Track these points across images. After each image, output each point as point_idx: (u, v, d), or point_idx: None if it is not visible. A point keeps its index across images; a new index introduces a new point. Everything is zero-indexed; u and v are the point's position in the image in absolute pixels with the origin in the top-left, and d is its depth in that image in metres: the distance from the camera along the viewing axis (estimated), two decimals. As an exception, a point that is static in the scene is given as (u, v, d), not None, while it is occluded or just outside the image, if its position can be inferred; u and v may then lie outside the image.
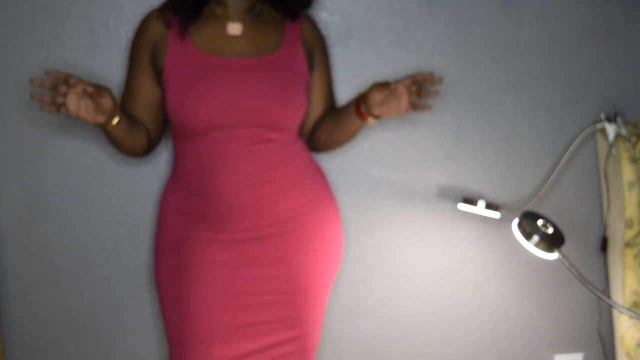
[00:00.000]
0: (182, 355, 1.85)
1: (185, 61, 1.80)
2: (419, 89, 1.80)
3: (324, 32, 2.24)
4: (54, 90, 1.60)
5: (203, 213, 1.82)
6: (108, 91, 1.67)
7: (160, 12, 1.86)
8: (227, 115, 1.76)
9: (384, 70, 2.28)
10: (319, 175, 1.97)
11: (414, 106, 1.81)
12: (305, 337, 1.91)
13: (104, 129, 1.73)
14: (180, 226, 1.86)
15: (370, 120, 1.85)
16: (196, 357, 1.83)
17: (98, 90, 1.64)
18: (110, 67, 2.15)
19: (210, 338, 1.82)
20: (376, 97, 1.79)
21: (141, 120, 1.87)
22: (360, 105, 1.83)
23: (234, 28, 1.85)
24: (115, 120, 1.72)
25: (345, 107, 1.92)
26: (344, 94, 2.25)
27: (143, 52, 1.85)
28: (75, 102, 1.61)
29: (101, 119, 1.67)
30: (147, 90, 1.85)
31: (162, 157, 2.21)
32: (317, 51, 1.96)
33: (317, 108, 1.97)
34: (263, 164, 1.81)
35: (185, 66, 1.79)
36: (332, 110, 2.01)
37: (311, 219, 1.90)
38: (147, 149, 1.91)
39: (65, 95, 1.60)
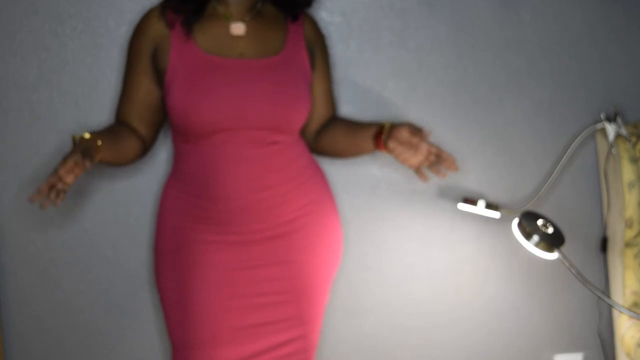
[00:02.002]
0: (186, 357, 1.84)
1: (188, 62, 1.79)
2: (437, 162, 1.78)
3: (324, 31, 2.24)
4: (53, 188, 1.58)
5: (206, 215, 1.82)
6: (84, 149, 1.62)
7: (161, 12, 1.84)
8: (232, 118, 1.75)
9: (384, 70, 2.29)
10: (320, 175, 1.97)
11: (428, 164, 1.79)
12: (307, 336, 1.91)
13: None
14: (182, 227, 1.85)
15: (383, 150, 1.83)
16: (201, 359, 1.82)
17: (82, 156, 1.59)
18: (110, 67, 2.15)
19: (214, 340, 1.82)
20: (404, 135, 1.76)
21: (137, 120, 1.86)
22: (383, 133, 1.81)
23: (237, 28, 1.84)
24: (99, 156, 1.67)
25: (364, 126, 1.89)
26: (344, 94, 2.25)
27: (143, 52, 1.83)
28: (72, 178, 1.58)
29: (91, 162, 1.62)
30: (146, 91, 1.84)
31: (162, 157, 2.21)
32: (318, 51, 1.96)
33: (320, 108, 1.96)
34: (268, 166, 1.81)
35: (189, 67, 1.78)
36: (344, 122, 2.00)
37: (313, 219, 1.90)
38: (142, 154, 1.90)
39: (61, 181, 1.57)
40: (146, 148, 1.90)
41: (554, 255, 2.19)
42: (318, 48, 1.96)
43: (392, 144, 1.77)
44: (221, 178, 1.78)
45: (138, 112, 1.84)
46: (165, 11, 1.83)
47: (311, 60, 1.92)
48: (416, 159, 1.77)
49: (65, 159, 1.58)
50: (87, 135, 1.67)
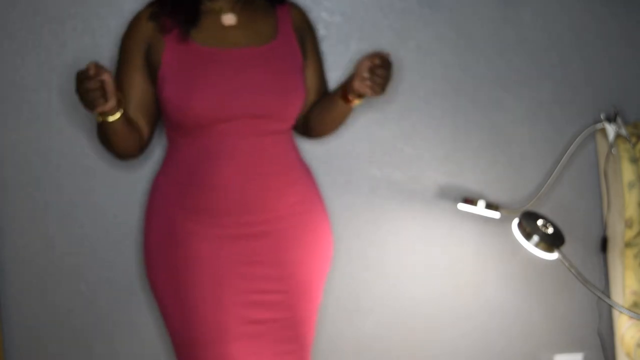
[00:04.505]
0: (192, 355, 1.84)
1: (184, 55, 1.80)
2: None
3: (324, 32, 2.24)
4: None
5: (202, 206, 1.81)
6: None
7: (151, 16, 1.84)
8: (230, 106, 1.76)
9: (384, 70, 2.29)
10: (310, 175, 1.99)
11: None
12: (301, 336, 1.91)
13: (105, 122, 1.72)
14: (175, 221, 1.84)
15: (355, 102, 1.83)
16: (207, 357, 1.82)
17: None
18: (110, 67, 2.14)
19: (221, 336, 1.81)
20: (362, 69, 1.75)
21: (134, 119, 1.86)
22: (347, 88, 1.82)
23: (229, 18, 1.86)
24: (119, 114, 1.72)
25: (334, 91, 1.92)
26: (344, 94, 2.25)
27: (135, 52, 1.84)
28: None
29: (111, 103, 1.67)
30: (141, 90, 1.84)
31: (161, 159, 2.21)
32: (308, 39, 1.97)
33: (311, 96, 1.98)
34: (267, 155, 1.82)
35: (184, 60, 1.79)
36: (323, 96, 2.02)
37: (306, 218, 1.91)
38: (139, 151, 1.90)
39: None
40: (143, 145, 1.90)
41: (554, 255, 2.19)
42: (308, 36, 1.98)
43: (355, 84, 1.76)
44: (219, 168, 1.79)
45: (133, 110, 1.84)
46: (157, 16, 1.83)
47: (302, 49, 1.93)
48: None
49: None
50: (119, 114, 1.73)
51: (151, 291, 1.91)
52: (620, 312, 2.26)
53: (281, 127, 1.85)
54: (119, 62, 1.87)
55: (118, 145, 1.81)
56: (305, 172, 1.95)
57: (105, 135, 1.79)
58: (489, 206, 2.30)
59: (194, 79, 1.76)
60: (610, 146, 2.30)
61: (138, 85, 1.84)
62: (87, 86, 1.62)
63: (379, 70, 1.73)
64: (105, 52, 2.15)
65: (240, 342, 1.83)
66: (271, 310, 1.86)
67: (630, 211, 2.29)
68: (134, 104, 1.84)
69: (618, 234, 2.33)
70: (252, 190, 1.81)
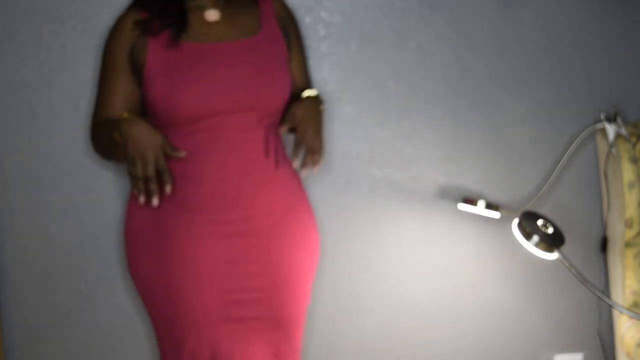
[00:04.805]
0: (179, 352, 1.83)
1: (170, 53, 1.80)
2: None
3: (324, 32, 2.25)
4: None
5: (198, 202, 1.81)
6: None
7: (136, 23, 1.83)
8: (220, 101, 1.77)
9: (384, 70, 2.29)
10: (298, 177, 1.98)
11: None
12: (292, 337, 1.91)
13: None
14: (165, 216, 1.82)
15: None
16: (194, 354, 1.82)
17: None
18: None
19: (208, 334, 1.81)
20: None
21: None
22: None
23: (211, 14, 1.87)
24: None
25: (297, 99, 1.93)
26: (344, 94, 2.25)
27: (120, 54, 1.83)
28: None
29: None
30: (126, 91, 1.83)
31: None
32: (291, 29, 1.98)
33: (295, 88, 1.98)
34: (259, 149, 1.82)
35: (172, 58, 1.79)
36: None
37: (297, 216, 1.91)
38: None
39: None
40: None
41: (554, 255, 2.19)
42: (290, 27, 1.98)
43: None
44: (212, 162, 1.79)
45: (119, 112, 1.82)
46: (143, 23, 1.82)
47: (286, 40, 1.93)
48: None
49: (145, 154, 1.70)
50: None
51: (133, 283, 1.89)
52: (620, 312, 2.26)
53: (270, 120, 1.85)
54: (103, 65, 1.87)
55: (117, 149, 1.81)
56: (294, 173, 1.95)
57: (112, 144, 1.77)
58: (489, 206, 2.30)
59: (181, 75, 1.77)
60: (610, 146, 2.31)
61: (124, 87, 1.84)
62: (151, 170, 1.70)
63: (308, 158, 1.83)
64: (105, 52, 2.15)
65: (229, 340, 1.83)
66: (260, 309, 1.86)
67: (630, 211, 2.29)
68: (121, 106, 1.84)
69: (618, 234, 2.33)
70: (243, 184, 1.81)
